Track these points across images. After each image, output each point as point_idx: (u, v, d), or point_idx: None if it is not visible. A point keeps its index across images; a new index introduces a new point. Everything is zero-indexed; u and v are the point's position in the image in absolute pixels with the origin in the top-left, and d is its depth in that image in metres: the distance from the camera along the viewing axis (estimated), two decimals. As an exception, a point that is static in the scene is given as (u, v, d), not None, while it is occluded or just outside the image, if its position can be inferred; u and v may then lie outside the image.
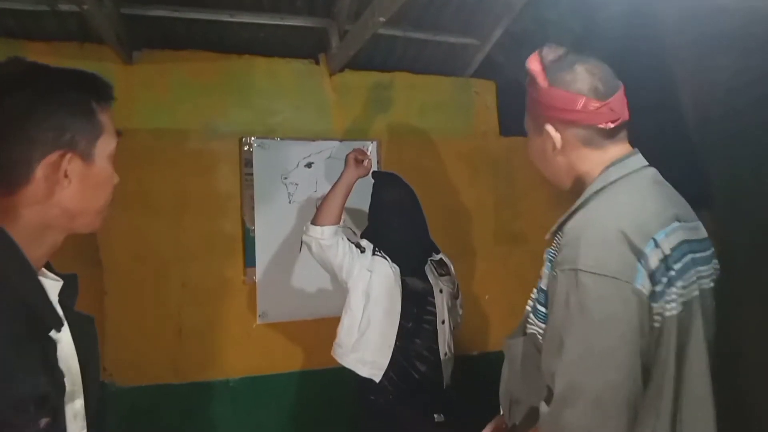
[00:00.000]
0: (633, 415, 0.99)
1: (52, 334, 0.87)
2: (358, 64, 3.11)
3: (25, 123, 0.85)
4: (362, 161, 2.33)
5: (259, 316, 2.94)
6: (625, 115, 1.18)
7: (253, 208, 2.96)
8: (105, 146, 0.94)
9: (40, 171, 0.87)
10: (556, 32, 3.16)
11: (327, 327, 2.78)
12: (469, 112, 3.43)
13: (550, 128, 1.20)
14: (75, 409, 0.91)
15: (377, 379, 2.24)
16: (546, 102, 1.19)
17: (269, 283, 2.96)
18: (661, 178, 1.22)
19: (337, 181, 2.31)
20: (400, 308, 2.26)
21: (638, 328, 1.00)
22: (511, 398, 1.23)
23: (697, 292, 1.13)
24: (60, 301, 0.93)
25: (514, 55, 3.38)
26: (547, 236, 1.22)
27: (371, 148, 2.38)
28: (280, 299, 2.97)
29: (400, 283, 2.29)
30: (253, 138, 2.98)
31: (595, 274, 1.00)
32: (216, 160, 2.94)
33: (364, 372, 2.25)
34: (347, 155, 2.35)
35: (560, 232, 1.17)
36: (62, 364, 0.88)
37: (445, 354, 2.33)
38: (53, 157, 0.87)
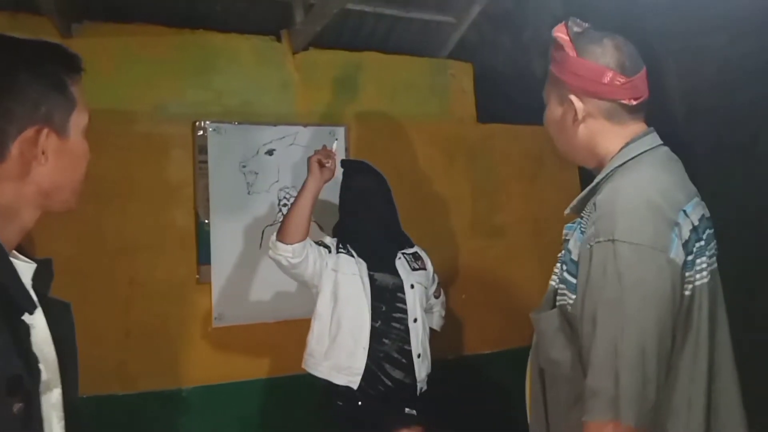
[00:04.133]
0: (664, 375, 1.10)
1: (26, 317, 0.89)
2: (324, 41, 3.04)
3: (0, 96, 0.88)
4: (326, 164, 2.19)
5: (215, 318, 2.83)
6: (646, 93, 1.27)
7: (207, 199, 2.85)
8: (79, 120, 0.97)
9: (16, 148, 0.89)
10: (536, 12, 3.20)
11: (290, 330, 2.74)
12: (444, 96, 3.39)
13: (573, 97, 1.27)
14: (53, 398, 0.93)
15: (355, 386, 2.19)
16: (573, 70, 1.26)
17: (226, 283, 2.86)
18: (674, 155, 1.31)
19: (301, 190, 2.19)
20: (369, 307, 2.22)
21: (670, 295, 1.10)
22: (543, 374, 1.30)
23: (716, 265, 1.24)
24: (34, 287, 0.94)
25: (492, 36, 3.36)
26: (567, 211, 1.32)
27: (335, 145, 2.28)
28: (238, 300, 2.87)
29: (368, 279, 2.24)
30: (207, 121, 2.87)
31: (632, 243, 1.09)
32: (167, 146, 2.82)
33: (340, 380, 2.20)
34: (309, 159, 2.21)
35: (587, 207, 1.24)
36: (37, 351, 0.90)
37: (419, 356, 2.27)
38: (30, 132, 0.90)
